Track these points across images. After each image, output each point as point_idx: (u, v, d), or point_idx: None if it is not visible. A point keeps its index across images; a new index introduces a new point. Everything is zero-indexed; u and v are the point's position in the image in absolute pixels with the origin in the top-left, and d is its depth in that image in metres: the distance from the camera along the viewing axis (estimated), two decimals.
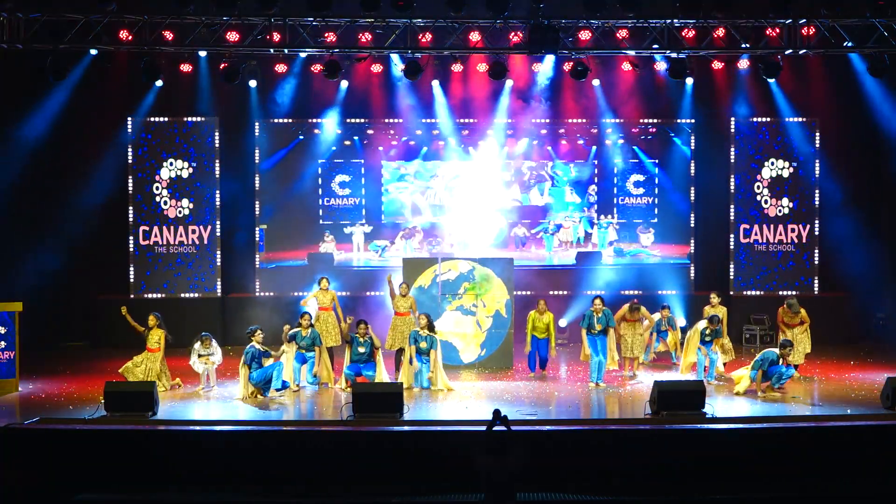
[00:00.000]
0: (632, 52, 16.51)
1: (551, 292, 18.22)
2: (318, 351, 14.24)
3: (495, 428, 9.69)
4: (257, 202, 19.07)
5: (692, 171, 19.27)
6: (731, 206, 18.95)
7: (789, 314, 15.05)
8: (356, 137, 19.17)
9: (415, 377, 14.23)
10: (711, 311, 15.12)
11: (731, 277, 18.83)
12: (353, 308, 16.76)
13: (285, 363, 14.03)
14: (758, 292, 18.54)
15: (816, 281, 18.79)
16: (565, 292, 18.63)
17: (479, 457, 9.34)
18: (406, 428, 11.94)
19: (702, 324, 14.65)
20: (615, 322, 14.86)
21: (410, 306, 14.94)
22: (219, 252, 18.71)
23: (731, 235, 18.96)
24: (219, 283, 18.67)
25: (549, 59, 17.57)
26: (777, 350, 13.59)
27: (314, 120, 19.03)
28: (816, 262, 18.83)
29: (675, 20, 15.75)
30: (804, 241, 18.87)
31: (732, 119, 18.87)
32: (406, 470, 11.26)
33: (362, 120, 18.99)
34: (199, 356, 14.24)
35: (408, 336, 14.38)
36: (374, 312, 16.38)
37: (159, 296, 18.31)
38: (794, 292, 17.94)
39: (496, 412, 9.85)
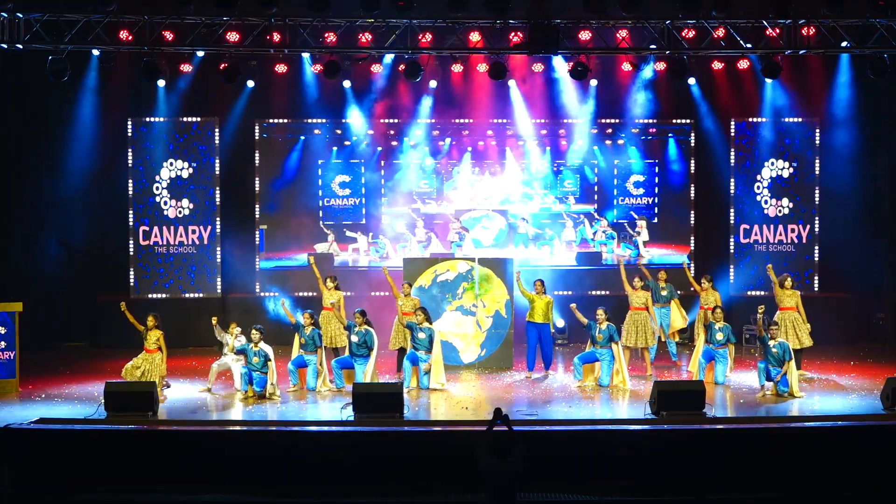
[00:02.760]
0: (632, 52, 16.51)
1: (551, 292, 18.18)
2: (320, 351, 14.22)
3: (496, 428, 9.68)
4: (257, 202, 19.07)
5: (692, 171, 19.28)
6: (731, 207, 18.96)
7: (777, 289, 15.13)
8: (356, 138, 19.15)
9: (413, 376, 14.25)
10: (704, 295, 15.29)
11: (731, 278, 18.84)
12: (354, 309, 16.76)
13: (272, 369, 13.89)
14: (758, 292, 18.52)
15: (816, 281, 18.79)
16: (565, 292, 18.62)
17: (480, 457, 9.33)
18: (406, 428, 11.94)
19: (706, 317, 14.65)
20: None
21: (414, 306, 14.92)
22: (219, 252, 18.71)
23: (731, 235, 18.98)
24: (219, 283, 18.67)
25: (558, 59, 17.53)
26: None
27: (314, 120, 19.02)
28: (816, 263, 18.83)
29: (676, 20, 15.73)
30: (804, 241, 18.87)
31: (732, 119, 18.88)
32: (406, 470, 11.26)
33: (362, 120, 18.97)
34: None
35: (409, 336, 14.41)
36: (375, 313, 16.33)
37: (159, 296, 18.31)
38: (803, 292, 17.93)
39: (497, 411, 9.84)
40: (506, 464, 9.26)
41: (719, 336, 14.37)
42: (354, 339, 14.11)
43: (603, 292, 18.47)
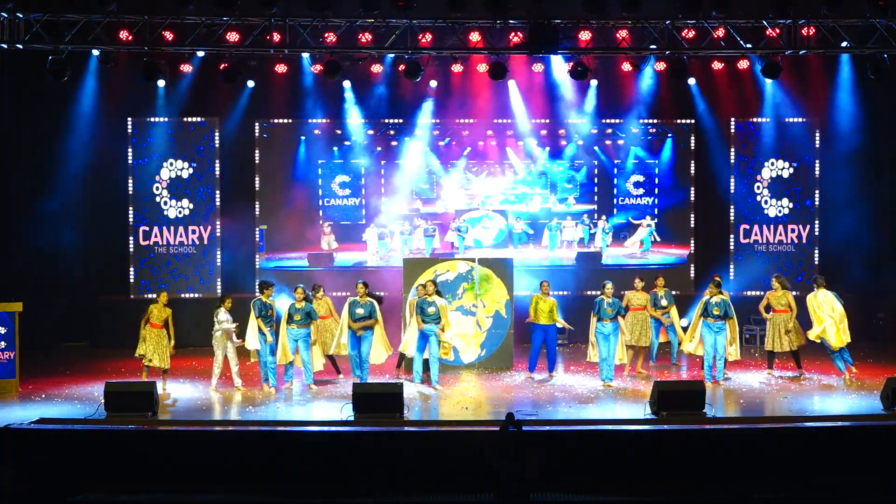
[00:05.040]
0: (632, 52, 16.51)
1: (551, 293, 18.14)
2: (315, 326, 14.31)
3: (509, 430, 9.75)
4: (257, 202, 19.08)
5: (692, 172, 19.29)
6: (731, 207, 18.98)
7: (777, 294, 15.02)
8: (355, 138, 19.16)
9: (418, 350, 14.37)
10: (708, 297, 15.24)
11: (732, 278, 18.84)
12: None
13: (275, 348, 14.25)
14: (758, 292, 18.52)
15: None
16: (566, 292, 18.64)
17: (496, 460, 9.40)
18: (406, 428, 11.94)
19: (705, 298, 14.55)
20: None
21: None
22: (219, 252, 18.73)
23: (731, 235, 18.99)
24: (219, 283, 18.69)
25: (558, 59, 17.52)
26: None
27: (314, 120, 19.03)
28: (816, 263, 18.84)
29: (676, 20, 15.73)
30: (804, 241, 18.89)
31: (732, 119, 18.89)
32: (406, 470, 11.27)
33: (363, 120, 18.98)
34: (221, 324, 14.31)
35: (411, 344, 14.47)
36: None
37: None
38: (796, 292, 17.91)
39: (509, 416, 9.91)
40: (521, 466, 9.32)
41: (716, 311, 14.31)
42: (360, 311, 14.13)
43: (599, 293, 18.42)
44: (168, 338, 14.20)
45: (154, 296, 15.00)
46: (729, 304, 14.49)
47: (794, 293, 15.47)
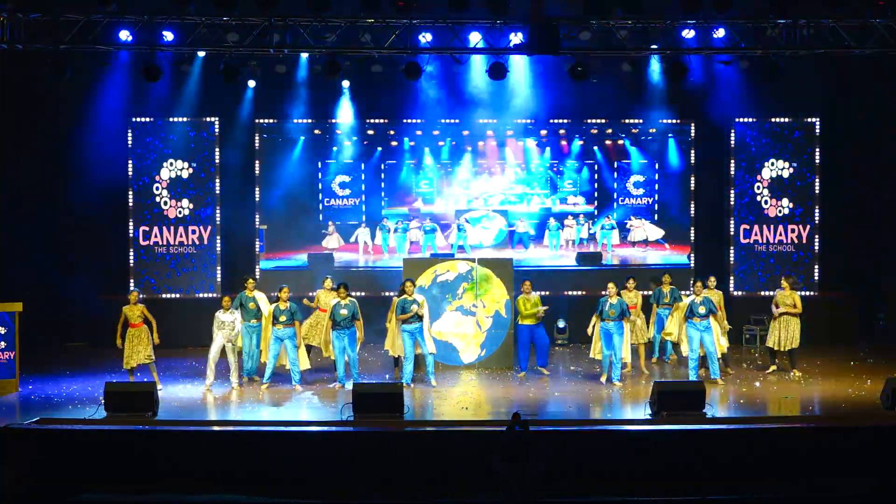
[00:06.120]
0: (632, 52, 16.51)
1: (551, 293, 18.15)
2: (298, 326, 14.35)
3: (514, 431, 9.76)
4: (257, 202, 19.07)
5: (692, 172, 19.28)
6: (731, 207, 18.96)
7: (785, 294, 15.06)
8: (356, 138, 19.17)
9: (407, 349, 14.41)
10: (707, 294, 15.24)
11: (731, 278, 18.84)
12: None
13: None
14: (758, 293, 18.54)
15: (816, 281, 18.79)
16: (566, 292, 18.64)
17: (501, 461, 9.41)
18: (406, 428, 11.94)
19: (690, 298, 14.49)
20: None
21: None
22: (219, 252, 18.73)
23: (731, 236, 18.97)
24: (219, 283, 18.68)
25: (558, 60, 17.52)
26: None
27: (314, 120, 19.03)
28: (816, 263, 18.84)
29: (676, 20, 15.72)
30: (804, 241, 18.88)
31: (733, 119, 18.88)
32: (406, 471, 11.27)
33: (362, 120, 18.98)
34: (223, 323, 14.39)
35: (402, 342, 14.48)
36: (374, 313, 16.32)
37: (159, 296, 18.31)
38: (798, 293, 17.94)
39: (515, 415, 9.91)
40: (525, 467, 9.33)
41: (701, 309, 14.26)
42: (344, 312, 14.12)
43: (604, 292, 18.44)
44: (150, 332, 14.20)
45: (143, 296, 15.25)
46: (711, 300, 14.45)
47: (799, 294, 15.46)
